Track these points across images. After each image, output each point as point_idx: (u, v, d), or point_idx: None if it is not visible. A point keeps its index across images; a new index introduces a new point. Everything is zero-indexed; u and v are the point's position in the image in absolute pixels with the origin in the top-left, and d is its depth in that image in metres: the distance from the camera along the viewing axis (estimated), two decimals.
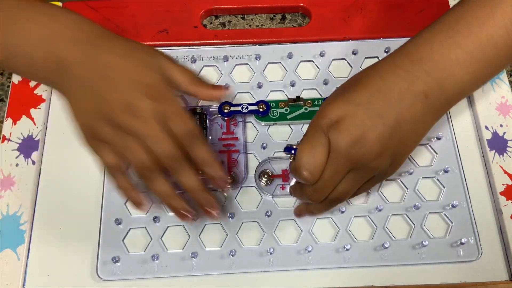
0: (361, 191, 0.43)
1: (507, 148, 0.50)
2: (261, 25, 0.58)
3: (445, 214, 0.47)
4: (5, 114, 0.52)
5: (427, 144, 0.50)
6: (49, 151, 0.51)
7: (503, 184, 0.48)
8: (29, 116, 0.52)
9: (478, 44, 0.39)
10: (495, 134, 0.50)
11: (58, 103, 0.53)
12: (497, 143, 0.50)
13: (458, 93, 0.40)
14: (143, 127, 0.38)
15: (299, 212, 0.47)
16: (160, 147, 0.38)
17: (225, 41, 0.55)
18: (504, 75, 0.53)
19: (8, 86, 0.54)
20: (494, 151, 0.49)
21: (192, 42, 0.55)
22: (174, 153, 0.39)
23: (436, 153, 0.50)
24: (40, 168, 0.50)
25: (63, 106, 0.51)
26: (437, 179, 0.48)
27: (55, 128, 0.52)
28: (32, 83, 0.53)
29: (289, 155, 0.40)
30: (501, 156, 0.49)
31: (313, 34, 0.56)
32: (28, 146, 0.50)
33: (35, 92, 0.53)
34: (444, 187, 0.48)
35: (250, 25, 0.58)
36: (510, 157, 0.49)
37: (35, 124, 0.51)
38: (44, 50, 0.40)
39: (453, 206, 0.46)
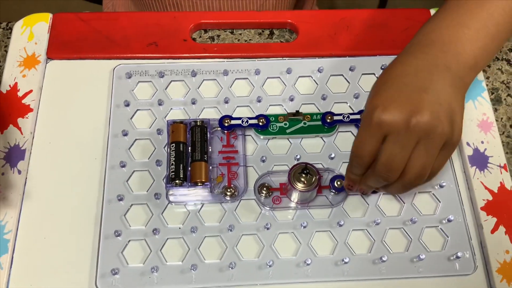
0: (437, 168, 0.44)
1: (488, 165, 0.51)
2: (250, 40, 0.59)
3: (441, 228, 0.48)
4: None
5: None
6: (35, 160, 0.50)
7: (483, 200, 0.49)
8: (16, 125, 0.51)
9: (482, 23, 0.44)
10: (476, 150, 0.51)
11: (46, 112, 0.52)
12: (478, 160, 0.51)
13: (475, 65, 0.44)
14: None
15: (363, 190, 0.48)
16: None
17: (214, 54, 0.56)
18: (485, 93, 0.54)
19: None
20: (475, 167, 0.51)
21: (181, 55, 0.56)
22: None
23: None
24: (26, 178, 0.49)
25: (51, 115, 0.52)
26: (433, 194, 0.50)
27: (42, 138, 0.51)
28: (20, 93, 0.52)
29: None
30: (482, 172, 0.50)
31: (300, 50, 0.57)
32: (14, 156, 0.49)
33: (23, 101, 0.52)
34: (440, 202, 0.49)
35: (238, 40, 0.59)
36: (490, 173, 0.50)
37: (22, 133, 0.51)
38: None
39: (449, 220, 0.48)
